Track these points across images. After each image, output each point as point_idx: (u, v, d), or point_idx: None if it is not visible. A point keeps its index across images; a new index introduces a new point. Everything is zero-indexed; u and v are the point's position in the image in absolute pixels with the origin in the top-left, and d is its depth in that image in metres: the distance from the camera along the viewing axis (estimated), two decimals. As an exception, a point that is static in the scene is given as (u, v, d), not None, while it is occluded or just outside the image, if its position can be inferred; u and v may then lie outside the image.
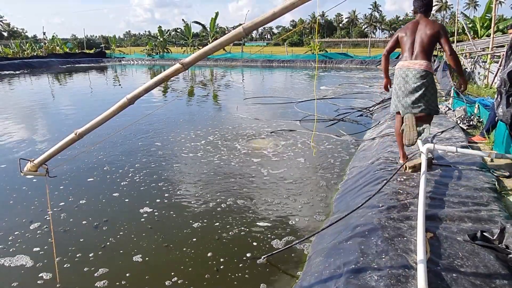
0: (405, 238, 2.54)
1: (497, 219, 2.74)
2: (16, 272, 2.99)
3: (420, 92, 3.62)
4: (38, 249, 3.32)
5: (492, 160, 4.23)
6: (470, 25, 20.22)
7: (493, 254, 2.34)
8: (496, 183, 3.53)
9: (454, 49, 3.88)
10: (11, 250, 3.30)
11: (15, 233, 3.60)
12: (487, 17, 18.44)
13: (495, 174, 3.81)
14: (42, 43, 42.44)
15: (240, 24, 2.33)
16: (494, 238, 2.49)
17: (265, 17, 1.84)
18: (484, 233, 2.54)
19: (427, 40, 3.66)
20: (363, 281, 2.16)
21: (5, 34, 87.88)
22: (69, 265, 3.07)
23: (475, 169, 3.87)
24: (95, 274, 2.95)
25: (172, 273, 2.93)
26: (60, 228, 3.68)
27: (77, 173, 5.29)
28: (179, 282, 2.84)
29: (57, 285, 2.80)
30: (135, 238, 3.49)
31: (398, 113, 3.84)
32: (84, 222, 3.83)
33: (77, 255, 3.21)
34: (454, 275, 2.14)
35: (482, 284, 2.08)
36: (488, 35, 15.16)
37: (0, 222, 3.85)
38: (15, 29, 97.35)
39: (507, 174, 3.82)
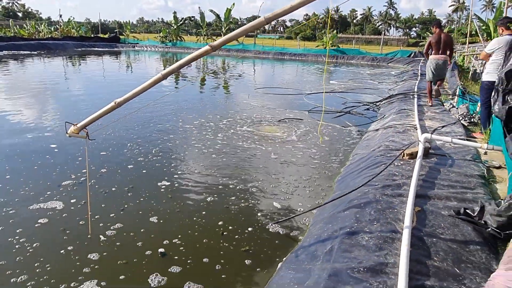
0: (395, 210, 2.89)
1: (479, 200, 3.07)
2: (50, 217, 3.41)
3: (443, 71, 7.51)
4: (74, 200, 3.75)
5: (486, 153, 4.54)
6: (484, 27, 20.21)
7: (471, 226, 2.69)
8: (485, 172, 3.85)
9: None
10: (44, 207, 3.72)
11: (48, 192, 4.02)
12: (501, 18, 18.41)
13: (486, 164, 4.13)
14: (57, 26, 43.00)
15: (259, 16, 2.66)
16: (475, 214, 2.83)
17: (284, 9, 2.18)
18: (467, 210, 2.88)
19: (447, 44, 7.28)
20: (355, 241, 2.52)
21: (20, 14, 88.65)
22: (83, 222, 3.46)
23: (468, 160, 4.19)
24: (112, 227, 3.38)
25: (179, 236, 3.29)
26: (85, 192, 4.08)
27: (94, 146, 5.65)
28: (177, 242, 3.19)
29: (88, 236, 3.20)
30: (154, 204, 3.88)
31: (430, 81, 7.64)
32: (107, 187, 4.23)
33: (97, 214, 3.60)
34: (434, 239, 2.49)
35: (457, 248, 2.43)
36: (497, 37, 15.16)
37: (30, 183, 4.26)
38: (30, 10, 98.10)
39: (497, 165, 4.14)
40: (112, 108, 2.63)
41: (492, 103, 4.66)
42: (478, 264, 2.27)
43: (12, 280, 2.64)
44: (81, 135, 2.77)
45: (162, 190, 4.24)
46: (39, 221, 3.46)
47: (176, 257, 2.97)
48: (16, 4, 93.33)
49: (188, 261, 2.93)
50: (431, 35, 8.41)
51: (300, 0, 2.13)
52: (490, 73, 5.44)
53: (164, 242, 3.18)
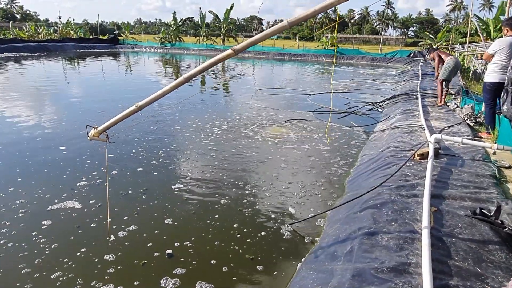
0: (412, 210, 2.93)
1: (494, 200, 3.11)
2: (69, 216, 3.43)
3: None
4: (89, 202, 3.76)
5: (494, 153, 4.57)
6: (483, 27, 20.30)
7: (488, 226, 2.72)
8: (497, 172, 3.89)
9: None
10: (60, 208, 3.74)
11: (63, 194, 4.05)
12: (500, 19, 18.54)
13: (496, 164, 4.16)
14: (56, 27, 42.97)
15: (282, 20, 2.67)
16: (491, 214, 2.86)
17: (307, 13, 2.21)
18: (483, 210, 2.91)
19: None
20: (375, 241, 2.55)
21: (18, 16, 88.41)
22: (95, 224, 3.48)
23: (478, 160, 4.23)
24: (126, 228, 3.42)
25: (192, 238, 3.30)
26: (98, 194, 4.11)
27: (101, 148, 5.62)
28: (189, 245, 3.22)
29: (107, 238, 3.23)
30: (169, 206, 3.90)
31: (445, 80, 7.90)
32: (121, 189, 4.25)
33: (114, 216, 3.63)
34: (453, 239, 2.52)
35: (476, 247, 2.46)
36: (501, 37, 15.28)
37: (42, 185, 4.28)
38: (28, 12, 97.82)
39: (507, 165, 4.18)
40: (133, 112, 2.65)
41: (501, 104, 4.71)
42: (499, 263, 2.30)
43: (31, 282, 2.67)
44: (102, 138, 2.79)
45: (175, 192, 4.27)
46: (55, 223, 3.49)
47: (182, 259, 3.00)
48: (14, 6, 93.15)
49: (194, 263, 2.95)
50: (429, 40, 9.30)
51: (323, 5, 2.16)
52: (492, 74, 5.48)
53: (176, 244, 3.20)
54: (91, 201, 3.94)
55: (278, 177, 4.81)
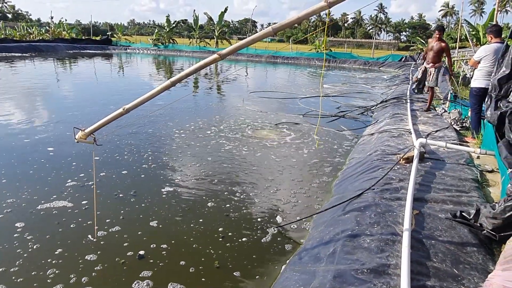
0: (394, 213, 2.99)
1: (475, 203, 3.18)
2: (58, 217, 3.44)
3: None
4: (75, 204, 3.77)
5: (478, 157, 4.68)
6: (473, 32, 20.63)
7: (467, 228, 2.79)
8: (479, 176, 3.98)
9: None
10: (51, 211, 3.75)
11: (52, 195, 4.05)
12: (490, 25, 18.84)
13: (479, 168, 4.26)
14: (48, 27, 42.69)
15: (269, 24, 2.72)
16: (471, 217, 2.94)
17: (291, 20, 2.26)
18: (463, 213, 2.99)
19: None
20: (357, 243, 2.61)
21: (9, 16, 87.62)
22: (73, 226, 3.50)
23: (462, 164, 4.32)
24: (110, 229, 3.44)
25: (172, 241, 3.30)
26: (86, 195, 4.11)
27: (88, 151, 5.55)
28: (170, 246, 3.23)
29: (92, 239, 3.24)
30: (155, 209, 3.92)
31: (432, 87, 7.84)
32: (109, 192, 4.27)
33: (100, 217, 3.63)
34: (432, 241, 2.59)
35: (455, 249, 2.53)
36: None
37: (25, 187, 4.28)
38: (20, 11, 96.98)
39: (490, 169, 4.27)
40: (120, 114, 2.69)
41: (485, 109, 4.82)
42: (476, 265, 2.37)
43: (10, 280, 2.68)
44: (89, 140, 2.82)
45: (163, 196, 4.28)
46: (36, 224, 3.49)
47: (151, 261, 3.00)
48: (5, 5, 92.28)
49: (162, 265, 2.97)
50: (421, 45, 8.77)
51: (307, 12, 2.22)
52: (478, 80, 5.61)
53: (152, 246, 3.21)
54: (78, 203, 3.93)
55: (266, 180, 4.85)
